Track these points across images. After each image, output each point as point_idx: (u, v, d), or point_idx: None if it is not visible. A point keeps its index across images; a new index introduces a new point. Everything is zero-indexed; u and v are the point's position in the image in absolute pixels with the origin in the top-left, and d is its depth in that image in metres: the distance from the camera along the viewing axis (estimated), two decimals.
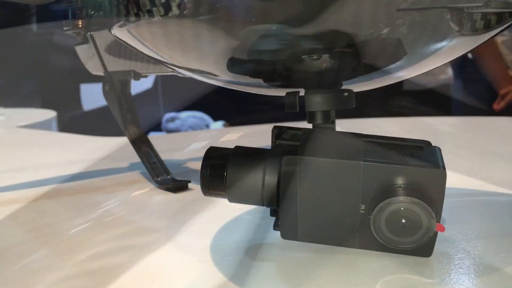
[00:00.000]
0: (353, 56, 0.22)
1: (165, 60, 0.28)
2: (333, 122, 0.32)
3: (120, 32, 0.26)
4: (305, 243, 0.29)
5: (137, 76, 0.48)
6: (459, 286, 0.25)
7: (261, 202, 0.29)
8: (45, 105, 1.97)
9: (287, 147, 0.29)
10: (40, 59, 2.41)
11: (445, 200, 0.37)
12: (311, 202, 0.28)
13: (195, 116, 2.35)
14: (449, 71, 1.49)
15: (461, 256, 0.28)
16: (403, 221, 0.26)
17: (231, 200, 0.30)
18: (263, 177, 0.29)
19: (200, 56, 0.26)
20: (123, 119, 0.50)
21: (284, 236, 0.29)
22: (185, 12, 0.21)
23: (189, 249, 0.31)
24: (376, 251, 0.28)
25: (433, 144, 0.29)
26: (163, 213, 0.40)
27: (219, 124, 2.38)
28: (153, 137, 0.84)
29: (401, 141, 0.29)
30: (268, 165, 0.29)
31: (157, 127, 2.48)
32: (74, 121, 2.38)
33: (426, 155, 0.28)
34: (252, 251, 0.30)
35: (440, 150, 0.29)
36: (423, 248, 0.28)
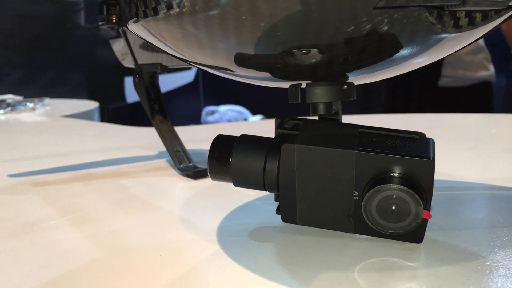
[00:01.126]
0: (340, 51, 0.24)
1: (178, 55, 0.30)
2: (337, 114, 0.34)
3: (135, 27, 0.28)
4: (305, 227, 0.31)
5: (164, 68, 0.51)
6: (438, 270, 0.26)
7: (262, 187, 0.31)
8: (91, 97, 2.05)
9: (289, 136, 0.31)
10: (88, 52, 2.51)
11: (452, 192, 0.39)
12: (309, 188, 0.30)
13: (234, 109, 2.39)
14: (491, 68, 1.45)
15: (451, 244, 0.29)
16: (393, 207, 0.28)
17: (236, 184, 0.32)
18: (265, 164, 0.31)
19: (208, 51, 0.28)
20: (151, 109, 0.53)
21: (284, 219, 0.31)
22: (184, 10, 0.23)
23: (197, 229, 0.34)
24: (369, 236, 0.30)
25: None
26: (180, 197, 0.43)
27: (257, 117, 2.41)
28: (190, 128, 0.87)
29: (396, 132, 0.30)
30: (269, 153, 0.31)
31: (197, 120, 2.54)
32: (117, 112, 2.46)
33: (418, 146, 0.29)
34: (255, 232, 0.32)
35: (433, 142, 0.30)
36: (414, 234, 0.29)
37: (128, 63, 0.56)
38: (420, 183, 0.28)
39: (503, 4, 0.23)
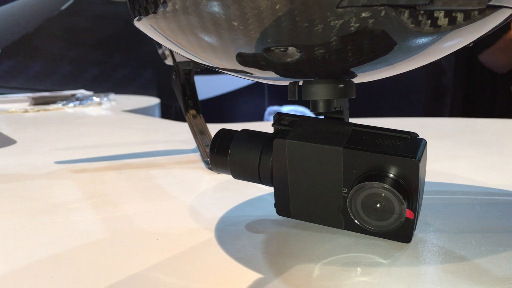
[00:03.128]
0: (317, 50, 0.25)
1: (180, 51, 0.32)
2: (341, 112, 0.34)
3: (139, 24, 0.30)
4: (303, 221, 0.32)
5: (196, 65, 0.54)
6: (411, 269, 0.26)
7: (258, 180, 0.32)
8: (159, 94, 2.13)
9: (282, 131, 0.32)
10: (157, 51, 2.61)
11: (466, 197, 0.38)
12: (300, 183, 0.31)
13: (297, 110, 2.39)
14: None
15: (440, 246, 0.29)
16: (378, 205, 0.28)
17: (235, 176, 0.33)
18: (260, 158, 0.32)
19: (212, 51, 0.29)
20: (185, 104, 0.56)
21: (279, 212, 0.33)
22: (167, 12, 0.25)
23: (201, 218, 0.36)
24: (359, 233, 0.30)
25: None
26: (198, 188, 0.44)
27: None
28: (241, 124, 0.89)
29: (389, 131, 0.30)
30: (264, 147, 0.32)
31: (260, 119, 2.57)
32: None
33: (407, 145, 0.29)
34: (253, 224, 0.34)
35: (425, 142, 0.30)
36: (402, 233, 0.29)
37: (169, 61, 0.59)
38: (405, 182, 0.28)
39: (480, 3, 0.23)
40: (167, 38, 0.29)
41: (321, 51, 0.25)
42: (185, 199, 0.41)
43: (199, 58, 0.30)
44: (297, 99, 0.32)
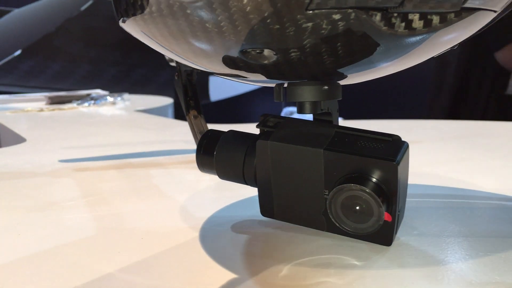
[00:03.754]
0: (293, 52, 0.25)
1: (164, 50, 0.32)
2: (329, 114, 0.34)
3: (124, 25, 0.31)
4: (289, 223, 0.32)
5: None
6: (384, 272, 0.26)
7: (243, 181, 0.33)
8: (177, 95, 2.15)
9: (266, 133, 0.32)
10: None
11: (458, 200, 0.38)
12: (283, 184, 0.31)
13: None
14: None
15: (421, 250, 0.29)
16: (357, 208, 0.28)
17: (220, 177, 0.34)
18: (244, 159, 0.32)
19: (192, 53, 0.30)
20: (186, 105, 0.56)
21: (263, 213, 0.33)
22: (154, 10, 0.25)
23: (189, 217, 0.36)
24: (342, 235, 0.30)
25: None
26: (194, 188, 0.45)
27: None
28: (249, 125, 0.90)
29: (372, 134, 0.30)
30: (249, 148, 0.32)
31: None
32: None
33: (388, 148, 0.29)
34: (239, 224, 0.34)
35: (407, 145, 0.30)
36: (383, 236, 0.29)
37: (174, 63, 0.59)
38: (385, 185, 0.28)
39: (454, 6, 0.23)
40: (154, 40, 0.30)
41: (297, 53, 0.25)
42: (179, 198, 0.41)
43: (184, 59, 0.30)
44: (282, 100, 0.32)
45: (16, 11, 2.49)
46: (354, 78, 0.32)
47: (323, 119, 0.34)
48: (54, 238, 0.32)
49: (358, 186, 0.27)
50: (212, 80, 2.57)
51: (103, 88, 1.58)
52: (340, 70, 0.28)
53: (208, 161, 0.33)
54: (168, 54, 0.32)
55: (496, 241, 0.30)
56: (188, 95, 0.57)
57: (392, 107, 2.24)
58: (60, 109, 1.23)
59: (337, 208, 0.29)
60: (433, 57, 0.30)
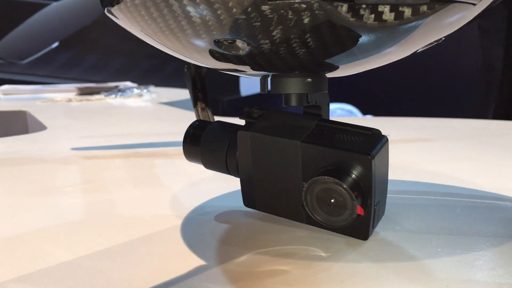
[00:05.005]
0: (264, 43, 0.25)
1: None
2: (318, 107, 0.34)
3: (109, 14, 0.31)
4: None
5: None
6: (349, 265, 0.26)
7: (227, 171, 0.33)
8: (208, 88, 2.17)
9: (248, 124, 0.32)
10: None
11: (452, 199, 0.37)
12: (264, 176, 0.31)
13: (343, 108, 2.36)
14: None
15: (397, 245, 0.28)
16: (332, 200, 0.28)
17: (206, 166, 0.34)
18: (227, 149, 0.32)
19: (172, 45, 0.30)
20: (194, 97, 0.57)
21: (246, 204, 0.33)
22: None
23: (178, 206, 0.37)
24: (320, 228, 0.30)
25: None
26: (192, 178, 0.45)
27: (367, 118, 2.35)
28: None
29: (352, 127, 0.30)
30: (233, 139, 0.32)
31: None
32: (231, 104, 2.57)
33: (365, 142, 0.28)
34: (223, 214, 0.34)
35: (386, 139, 0.29)
36: (359, 230, 0.29)
37: None
38: (359, 178, 0.27)
39: None
40: (143, 32, 0.30)
41: (267, 44, 0.25)
42: (174, 188, 0.42)
43: (165, 47, 0.31)
44: (266, 92, 0.32)
45: (55, 4, 2.56)
46: (343, 70, 0.31)
47: (312, 113, 0.34)
48: (44, 221, 0.33)
49: (332, 179, 0.27)
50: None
51: (136, 81, 1.61)
52: (320, 61, 0.28)
53: (194, 151, 0.34)
54: (158, 47, 0.33)
55: (478, 240, 0.29)
56: (196, 87, 0.58)
57: (439, 105, 2.20)
58: (87, 100, 1.26)
59: (313, 200, 0.29)
60: (416, 52, 0.30)
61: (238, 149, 0.31)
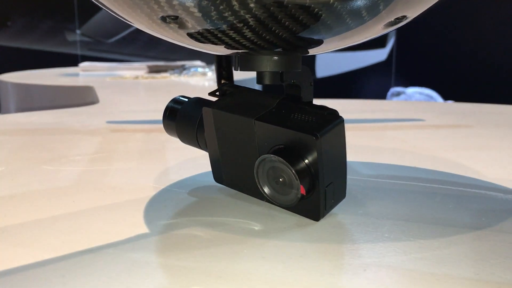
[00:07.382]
0: (204, 19, 0.25)
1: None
2: (297, 87, 0.33)
3: None
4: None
5: None
6: (286, 245, 0.25)
7: (198, 146, 0.34)
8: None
9: (215, 101, 0.32)
10: None
11: (428, 184, 0.35)
12: (226, 151, 0.31)
13: (423, 92, 2.26)
14: None
15: (349, 229, 0.28)
16: (280, 179, 0.28)
17: (182, 140, 0.35)
18: (197, 125, 0.33)
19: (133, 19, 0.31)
20: (218, 74, 0.58)
21: (216, 179, 0.33)
22: None
23: (162, 178, 0.38)
24: (279, 206, 0.30)
25: None
26: (192, 153, 0.46)
27: (448, 103, 2.22)
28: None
29: (312, 107, 0.29)
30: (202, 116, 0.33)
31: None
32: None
33: (317, 122, 0.28)
34: (198, 189, 0.35)
35: (341, 120, 0.28)
36: (311, 211, 0.29)
37: None
38: (307, 158, 0.27)
39: None
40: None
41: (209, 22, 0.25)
42: (168, 162, 0.43)
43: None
44: (238, 69, 0.32)
45: None
46: (317, 49, 0.31)
47: (291, 93, 0.33)
48: (40, 185, 0.36)
49: (277, 157, 0.27)
50: (319, 57, 2.54)
51: (211, 61, 1.64)
52: (281, 39, 0.27)
53: (171, 125, 0.35)
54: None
55: (435, 228, 0.27)
56: (222, 65, 0.59)
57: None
58: (153, 77, 1.31)
59: (263, 178, 0.29)
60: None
61: (204, 125, 0.32)
